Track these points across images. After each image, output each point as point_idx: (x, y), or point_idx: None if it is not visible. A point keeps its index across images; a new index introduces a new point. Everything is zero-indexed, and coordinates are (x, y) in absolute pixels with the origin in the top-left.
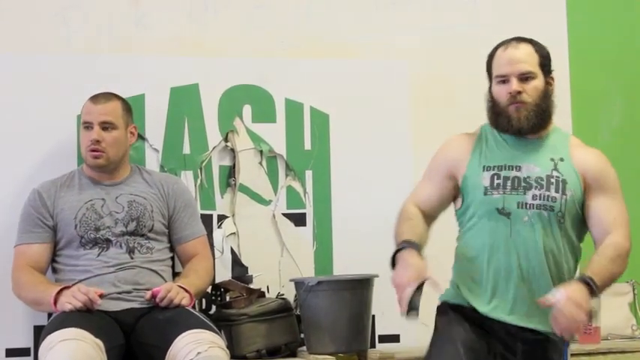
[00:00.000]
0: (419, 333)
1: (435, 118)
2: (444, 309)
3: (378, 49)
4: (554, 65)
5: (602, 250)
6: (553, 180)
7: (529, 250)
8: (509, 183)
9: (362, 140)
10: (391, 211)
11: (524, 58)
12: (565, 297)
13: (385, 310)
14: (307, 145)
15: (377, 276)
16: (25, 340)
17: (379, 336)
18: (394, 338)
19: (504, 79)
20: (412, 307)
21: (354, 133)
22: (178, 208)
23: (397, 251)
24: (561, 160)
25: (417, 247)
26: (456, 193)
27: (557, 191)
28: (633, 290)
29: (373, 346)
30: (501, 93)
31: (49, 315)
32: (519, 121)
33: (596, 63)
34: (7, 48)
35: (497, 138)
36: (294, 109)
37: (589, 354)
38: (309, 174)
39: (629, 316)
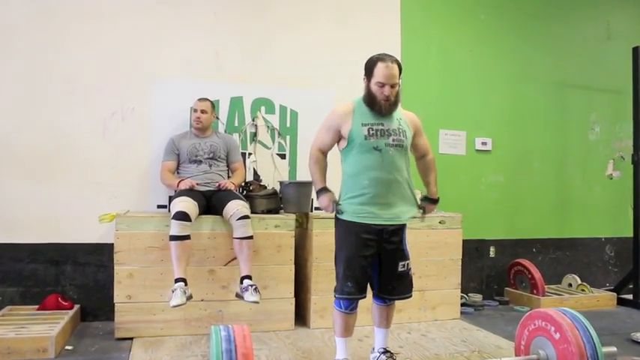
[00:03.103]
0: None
1: None
2: (341, 223)
3: (317, 82)
4: None
5: (429, 166)
6: (400, 130)
7: (392, 169)
8: (379, 132)
9: (312, 123)
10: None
11: (396, 74)
12: (429, 209)
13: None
14: (288, 124)
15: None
16: (165, 201)
17: (315, 207)
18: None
19: (382, 85)
20: (336, 209)
21: (309, 121)
22: (231, 148)
23: (319, 190)
24: (400, 119)
25: (327, 188)
26: (339, 139)
27: (403, 136)
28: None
29: (312, 211)
30: (378, 92)
31: (175, 191)
32: (386, 110)
33: (422, 74)
34: (170, 77)
35: (367, 110)
36: (283, 109)
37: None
38: (288, 137)
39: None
